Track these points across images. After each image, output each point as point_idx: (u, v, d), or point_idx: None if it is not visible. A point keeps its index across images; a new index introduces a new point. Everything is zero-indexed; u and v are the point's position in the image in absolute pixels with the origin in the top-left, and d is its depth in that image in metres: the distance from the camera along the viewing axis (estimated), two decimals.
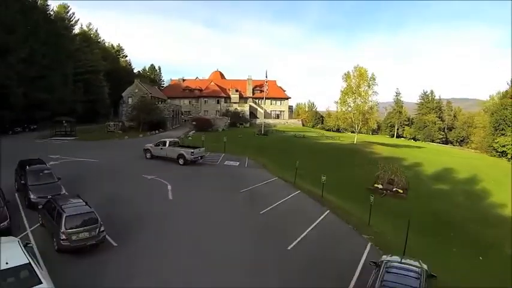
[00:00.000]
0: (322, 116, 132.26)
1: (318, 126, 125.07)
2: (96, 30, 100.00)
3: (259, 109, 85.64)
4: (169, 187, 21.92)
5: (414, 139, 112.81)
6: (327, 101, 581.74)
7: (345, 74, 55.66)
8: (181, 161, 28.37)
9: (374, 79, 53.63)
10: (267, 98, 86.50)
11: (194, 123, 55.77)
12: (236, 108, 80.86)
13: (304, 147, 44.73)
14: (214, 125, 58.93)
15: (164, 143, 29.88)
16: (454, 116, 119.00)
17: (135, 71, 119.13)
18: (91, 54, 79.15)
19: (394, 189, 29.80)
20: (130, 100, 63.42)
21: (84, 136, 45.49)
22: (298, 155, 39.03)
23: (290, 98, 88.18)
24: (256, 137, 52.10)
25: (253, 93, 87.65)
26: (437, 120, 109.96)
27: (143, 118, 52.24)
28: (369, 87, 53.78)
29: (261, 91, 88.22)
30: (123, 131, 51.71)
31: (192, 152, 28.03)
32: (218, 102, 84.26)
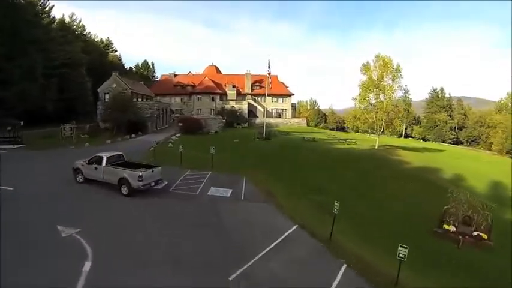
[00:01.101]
0: (325, 114, 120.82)
1: (321, 125, 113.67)
2: (80, 22, 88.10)
3: (259, 107, 73.82)
4: (87, 264, 10.33)
5: (424, 139, 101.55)
6: (327, 99, 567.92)
7: (364, 65, 43.87)
8: (124, 190, 16.80)
9: (399, 71, 41.95)
10: (268, 95, 74.90)
11: (180, 124, 43.99)
12: (233, 106, 68.95)
13: (320, 157, 32.98)
14: (206, 126, 47.16)
15: (99, 160, 18.03)
16: (465, 115, 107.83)
17: (127, 67, 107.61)
18: (69, 45, 66.94)
19: (476, 233, 18.27)
20: (107, 97, 51.73)
21: (35, 143, 33.59)
22: (316, 171, 27.41)
23: (293, 94, 76.34)
24: (256, 142, 40.37)
25: (253, 90, 75.84)
26: (448, 119, 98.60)
27: (114, 118, 40.57)
28: (394, 80, 42.14)
29: (261, 87, 76.46)
30: (90, 134, 39.95)
31: (140, 177, 16.44)
32: (213, 100, 72.40)
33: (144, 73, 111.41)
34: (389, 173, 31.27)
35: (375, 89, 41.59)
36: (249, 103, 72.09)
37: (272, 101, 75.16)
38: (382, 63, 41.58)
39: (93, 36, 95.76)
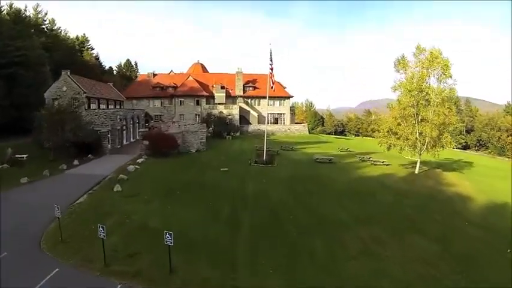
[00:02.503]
0: (322, 117, 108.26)
1: (318, 129, 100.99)
2: (46, 14, 72.76)
3: (252, 112, 60.47)
4: None
5: None
6: (321, 99, 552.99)
7: (400, 60, 31.00)
8: None
9: (448, 67, 29.28)
10: (262, 98, 61.68)
11: (146, 142, 30.16)
12: (221, 112, 55.49)
13: (360, 206, 19.86)
14: (185, 142, 33.58)
15: None
16: (472, 117, 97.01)
17: (107, 66, 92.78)
18: (23, 40, 52.07)
19: None
20: (57, 104, 37.75)
21: None
22: (370, 242, 14.44)
23: (292, 96, 63.03)
24: (254, 171, 27.19)
25: (245, 91, 62.32)
26: (459, 123, 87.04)
27: (48, 137, 26.98)
28: (440, 81, 29.56)
29: (255, 88, 63.09)
30: (13, 162, 26.07)
31: None
32: (198, 104, 58.74)
33: (126, 73, 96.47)
34: (473, 230, 18.61)
35: (419, 93, 28.82)
36: (240, 107, 58.75)
37: (268, 105, 61.86)
38: (429, 57, 28.74)
39: (64, 32, 79.91)
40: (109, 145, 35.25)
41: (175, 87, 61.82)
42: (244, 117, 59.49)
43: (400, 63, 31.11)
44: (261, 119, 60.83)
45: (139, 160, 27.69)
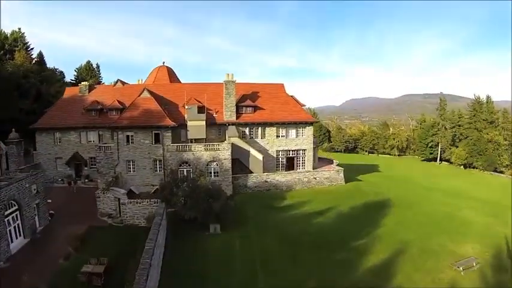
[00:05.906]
0: (328, 131, 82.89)
1: (325, 146, 75.73)
2: None
3: (252, 152, 33.42)
4: None
5: (465, 166, 67.03)
6: (304, 98, 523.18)
7: None
8: None
9: None
10: (269, 125, 35.89)
11: None
12: (199, 162, 28.52)
13: None
14: None
15: None
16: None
17: (58, 69, 61.99)
18: None
19: None
20: None
21: None
22: None
23: (318, 121, 37.08)
24: None
25: (239, 114, 35.35)
26: (502, 139, 63.85)
27: None
28: None
29: (255, 108, 36.26)
30: None
31: None
32: (158, 140, 30.90)
33: (86, 78, 64.90)
34: None
35: None
36: (233, 145, 31.92)
37: (278, 136, 35.26)
38: None
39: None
40: None
41: (121, 109, 34.12)
42: (239, 161, 32.79)
43: None
44: (268, 161, 34.35)
45: None
